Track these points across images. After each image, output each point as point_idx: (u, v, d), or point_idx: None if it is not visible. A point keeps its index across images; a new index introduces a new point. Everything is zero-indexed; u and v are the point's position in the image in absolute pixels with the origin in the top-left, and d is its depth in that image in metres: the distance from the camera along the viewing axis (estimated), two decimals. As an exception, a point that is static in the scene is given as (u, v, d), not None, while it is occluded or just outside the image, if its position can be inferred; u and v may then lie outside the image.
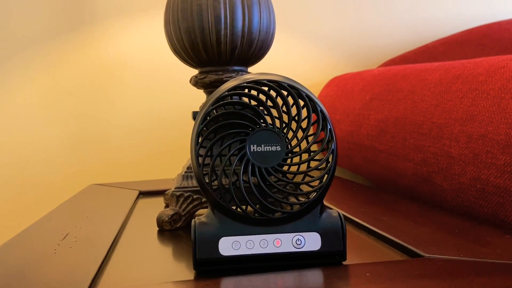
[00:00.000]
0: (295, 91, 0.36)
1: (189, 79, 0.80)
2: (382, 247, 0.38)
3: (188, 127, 0.93)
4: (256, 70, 0.83)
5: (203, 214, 0.36)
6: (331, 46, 1.00)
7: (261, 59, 0.57)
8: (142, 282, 0.33)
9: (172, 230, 0.48)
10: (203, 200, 0.50)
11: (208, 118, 0.35)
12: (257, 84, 0.36)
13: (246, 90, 0.36)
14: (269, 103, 0.37)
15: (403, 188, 0.61)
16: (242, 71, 0.55)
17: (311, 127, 0.36)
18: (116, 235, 0.45)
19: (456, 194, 0.49)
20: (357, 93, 0.76)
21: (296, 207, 0.35)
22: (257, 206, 0.35)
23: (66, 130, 0.91)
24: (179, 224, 0.49)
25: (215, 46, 0.51)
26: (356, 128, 0.72)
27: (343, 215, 0.36)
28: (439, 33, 1.01)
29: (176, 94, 0.94)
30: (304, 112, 0.36)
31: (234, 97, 0.39)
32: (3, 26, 0.88)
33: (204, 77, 0.54)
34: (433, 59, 0.92)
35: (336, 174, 0.81)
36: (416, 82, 0.59)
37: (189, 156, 0.82)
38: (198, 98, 0.88)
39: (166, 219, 0.48)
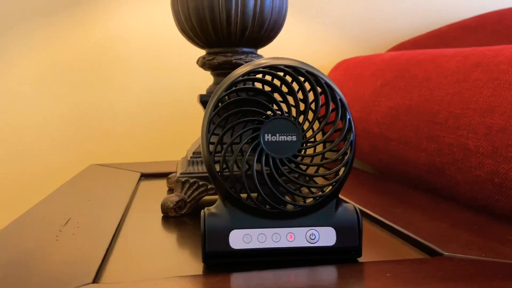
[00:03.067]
0: (313, 77, 0.34)
1: (195, 60, 0.77)
2: (398, 242, 0.37)
3: (193, 109, 0.91)
4: (265, 52, 0.80)
5: (213, 205, 0.34)
6: (339, 28, 0.97)
7: (271, 41, 0.54)
8: (149, 275, 0.31)
9: (177, 216, 0.47)
10: (209, 186, 0.49)
11: (220, 104, 0.33)
12: (273, 69, 0.33)
13: (261, 76, 0.34)
14: (284, 89, 0.35)
15: (412, 178, 0.59)
16: (252, 53, 0.52)
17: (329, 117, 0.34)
18: (120, 221, 0.43)
19: (470, 187, 0.48)
20: (367, 78, 0.74)
21: (311, 201, 0.33)
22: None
23: (66, 108, 0.88)
24: (184, 211, 0.48)
25: (225, 26, 0.49)
26: (365, 115, 0.70)
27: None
28: (451, 17, 0.98)
29: (181, 75, 0.91)
30: (321, 101, 0.34)
31: (247, 82, 0.37)
32: (1, -2, 0.84)
33: (212, 59, 0.51)
34: (444, 45, 0.89)
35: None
36: (432, 68, 0.57)
37: (193, 139, 0.80)
38: (204, 79, 0.86)
39: (171, 205, 0.47)
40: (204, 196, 0.49)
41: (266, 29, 0.51)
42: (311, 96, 0.34)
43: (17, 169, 0.87)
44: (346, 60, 0.90)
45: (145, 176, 0.70)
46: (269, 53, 0.84)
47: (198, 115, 0.91)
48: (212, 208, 0.34)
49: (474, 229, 0.38)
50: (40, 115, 0.88)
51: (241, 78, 0.33)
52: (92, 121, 0.90)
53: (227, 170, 0.33)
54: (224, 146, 0.33)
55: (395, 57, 0.70)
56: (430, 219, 0.42)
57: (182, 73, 0.91)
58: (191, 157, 0.50)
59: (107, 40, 0.89)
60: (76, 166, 0.88)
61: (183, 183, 0.48)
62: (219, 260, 0.32)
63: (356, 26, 0.98)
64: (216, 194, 0.49)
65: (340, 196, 0.52)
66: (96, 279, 0.30)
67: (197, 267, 0.33)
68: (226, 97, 0.34)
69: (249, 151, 0.32)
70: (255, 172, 0.32)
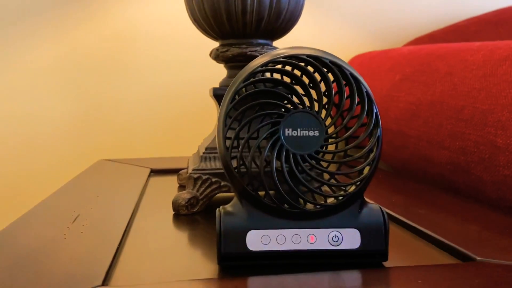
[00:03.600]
0: (337, 68, 0.31)
1: (207, 53, 0.75)
2: (424, 246, 0.35)
3: (204, 104, 0.89)
4: (280, 45, 0.78)
5: (229, 204, 0.32)
6: (354, 22, 0.95)
7: (287, 32, 0.52)
8: (160, 278, 0.29)
9: (188, 214, 0.45)
10: (222, 183, 0.47)
11: (237, 97, 0.31)
12: (294, 59, 0.31)
13: (281, 66, 0.32)
14: (305, 81, 0.32)
15: (433, 177, 0.57)
16: (267, 45, 0.50)
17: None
18: (129, 219, 0.42)
19: (497, 187, 0.45)
20: (384, 73, 0.71)
21: (333, 201, 0.31)
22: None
23: (75, 103, 0.87)
24: (196, 209, 0.46)
25: (240, 16, 0.47)
26: (382, 111, 0.67)
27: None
28: (471, 11, 0.95)
29: (192, 68, 0.89)
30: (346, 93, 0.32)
31: (266, 74, 0.35)
32: (10, -11, 0.83)
33: (226, 50, 0.49)
34: (464, 39, 0.86)
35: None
36: (455, 63, 0.55)
37: (205, 135, 0.78)
38: (217, 73, 0.84)
39: (183, 203, 0.45)
40: (217, 193, 0.47)
41: (283, 19, 0.49)
42: (334, 88, 0.31)
43: (25, 163, 0.86)
44: (361, 54, 0.88)
45: (155, 172, 0.68)
46: (283, 46, 0.82)
47: (209, 110, 0.89)
48: (228, 207, 0.32)
49: (506, 232, 0.36)
50: (49, 109, 0.86)
51: (260, 68, 0.31)
52: (101, 115, 0.88)
53: (244, 166, 0.31)
54: (241, 141, 0.31)
55: (414, 51, 0.68)
56: (457, 221, 0.39)
57: (194, 66, 0.89)
58: (203, 153, 0.48)
59: (117, 34, 0.87)
60: (85, 161, 0.87)
61: (195, 179, 0.46)
62: (235, 262, 0.31)
63: (372, 20, 0.95)
64: (229, 192, 0.47)
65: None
66: (105, 281, 0.28)
67: (211, 270, 0.31)
68: (243, 89, 0.32)
69: (268, 146, 0.30)
70: (274, 169, 0.30)
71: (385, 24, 0.95)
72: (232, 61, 0.50)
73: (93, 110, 0.88)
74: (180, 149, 0.89)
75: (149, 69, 0.89)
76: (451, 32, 0.89)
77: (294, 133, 0.31)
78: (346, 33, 0.95)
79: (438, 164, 0.54)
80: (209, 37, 0.52)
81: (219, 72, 0.77)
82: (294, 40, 0.90)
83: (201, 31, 0.52)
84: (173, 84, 0.89)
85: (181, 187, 0.58)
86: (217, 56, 0.51)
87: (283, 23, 0.49)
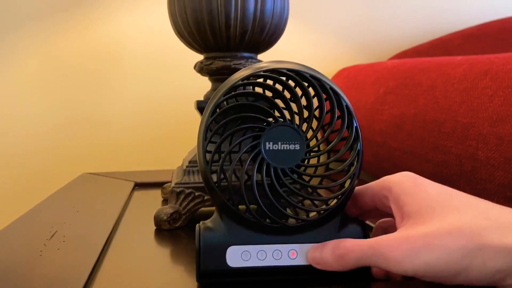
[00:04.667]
0: (318, 82, 0.31)
1: (192, 65, 0.75)
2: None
3: (189, 116, 0.88)
4: (265, 58, 0.78)
5: (209, 219, 0.32)
6: (340, 36, 0.96)
7: (272, 46, 0.52)
8: (138, 295, 0.29)
9: (171, 229, 0.44)
10: (206, 198, 0.46)
11: (218, 110, 0.31)
12: (275, 73, 0.31)
13: (262, 80, 0.32)
14: (287, 95, 0.32)
15: (417, 189, 0.57)
16: (251, 58, 0.50)
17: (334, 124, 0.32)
18: (109, 234, 0.41)
19: (480, 200, 0.45)
20: (369, 86, 0.72)
21: (314, 215, 0.31)
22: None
23: (58, 114, 0.86)
24: (178, 224, 0.45)
25: (224, 29, 0.47)
26: (367, 123, 0.67)
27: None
28: (454, 25, 0.97)
29: (177, 80, 0.89)
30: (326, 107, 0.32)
31: (247, 87, 0.35)
32: (-6, 1, 0.82)
33: (210, 63, 0.49)
34: (447, 53, 0.88)
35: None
36: (437, 76, 0.55)
37: (190, 148, 0.78)
38: (202, 85, 0.83)
39: (165, 217, 0.44)
40: (200, 207, 0.46)
41: (267, 33, 0.49)
42: (315, 102, 0.31)
43: (7, 176, 0.84)
44: (347, 67, 0.89)
45: (139, 185, 0.67)
46: (268, 59, 0.82)
47: (195, 123, 0.88)
48: (208, 222, 0.31)
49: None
50: (32, 122, 0.85)
51: (240, 82, 0.31)
52: (86, 128, 0.87)
53: (224, 180, 0.31)
54: (222, 155, 0.31)
55: (398, 64, 0.68)
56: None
57: (179, 79, 0.89)
58: (187, 166, 0.47)
59: (103, 45, 0.86)
60: (68, 174, 0.85)
61: (178, 194, 0.46)
62: (215, 279, 0.30)
63: (358, 34, 0.96)
64: (213, 206, 0.47)
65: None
66: (80, 300, 0.27)
67: (191, 285, 0.30)
68: (225, 102, 0.31)
69: (248, 160, 0.30)
70: (255, 183, 0.30)
71: (371, 38, 0.97)
72: (216, 74, 0.50)
73: (78, 123, 0.87)
74: (166, 162, 0.89)
75: (134, 82, 0.88)
76: (435, 46, 0.90)
77: (275, 146, 0.30)
78: (332, 46, 0.96)
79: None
80: (193, 50, 0.52)
81: (204, 84, 0.76)
82: (281, 53, 0.90)
83: (185, 44, 0.52)
84: (159, 97, 0.89)
85: (165, 201, 0.57)
86: (201, 69, 0.51)
87: (267, 36, 0.49)
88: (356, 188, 0.32)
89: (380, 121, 0.64)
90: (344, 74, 0.86)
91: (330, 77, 0.94)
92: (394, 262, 0.25)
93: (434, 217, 0.26)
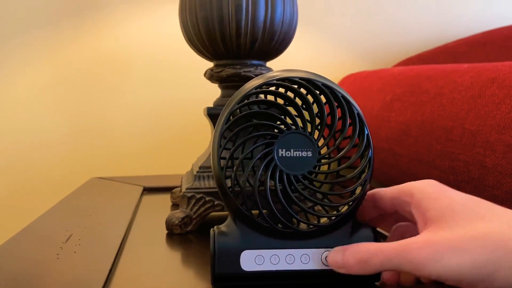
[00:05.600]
0: (329, 90, 0.32)
1: (201, 72, 0.76)
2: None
3: (197, 122, 0.89)
4: (273, 66, 0.79)
5: (223, 224, 0.32)
6: (346, 42, 0.96)
7: (281, 54, 0.53)
8: (154, 298, 0.29)
9: (182, 234, 0.45)
10: (216, 202, 0.47)
11: (231, 118, 0.32)
12: (287, 81, 0.32)
13: (274, 88, 0.33)
14: (298, 102, 0.33)
15: (424, 195, 0.57)
16: (261, 65, 0.51)
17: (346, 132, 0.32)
18: (123, 238, 0.42)
19: (487, 207, 0.46)
20: (375, 93, 0.72)
21: (325, 220, 0.31)
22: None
23: (68, 120, 0.87)
24: (189, 228, 0.46)
25: (234, 37, 0.48)
26: (373, 130, 0.68)
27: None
28: (460, 33, 0.98)
29: (186, 87, 0.90)
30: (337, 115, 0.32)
31: (260, 96, 0.36)
32: (5, 9, 0.84)
33: (221, 71, 0.50)
34: (453, 60, 0.88)
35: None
36: (444, 84, 0.56)
37: (197, 153, 0.79)
38: (210, 92, 0.84)
39: (176, 222, 0.45)
40: (211, 212, 0.47)
41: (276, 41, 0.50)
42: (326, 110, 0.32)
43: (17, 180, 0.85)
44: (352, 74, 0.89)
45: (148, 190, 0.68)
46: (276, 66, 0.83)
47: (202, 129, 0.89)
48: (222, 227, 0.32)
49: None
50: (42, 126, 0.86)
51: (254, 90, 0.32)
52: (94, 133, 0.88)
53: (238, 186, 0.32)
54: (236, 161, 0.32)
55: (404, 71, 0.69)
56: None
57: (187, 85, 0.90)
58: (197, 172, 0.48)
59: (112, 52, 0.88)
60: (77, 179, 0.86)
61: (189, 198, 0.46)
62: (229, 283, 0.31)
63: (363, 41, 0.97)
64: (223, 211, 0.47)
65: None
66: (98, 302, 0.28)
67: (205, 289, 0.31)
68: (238, 110, 0.32)
69: (262, 166, 0.31)
70: (268, 189, 0.30)
71: (376, 45, 0.97)
72: (226, 81, 0.51)
73: (86, 128, 0.88)
74: (173, 167, 0.89)
75: (143, 88, 0.89)
76: (440, 53, 0.91)
77: (288, 153, 0.31)
78: (338, 53, 0.96)
79: (429, 183, 0.55)
80: (203, 58, 0.53)
81: (212, 91, 0.77)
82: (287, 61, 0.91)
83: (195, 52, 0.53)
84: (167, 103, 0.90)
85: (174, 205, 0.58)
86: (211, 76, 0.51)
87: (277, 44, 0.50)
88: (377, 190, 0.33)
89: (386, 128, 0.65)
90: (350, 80, 0.87)
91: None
92: (418, 265, 0.25)
93: (459, 222, 0.26)
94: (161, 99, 0.90)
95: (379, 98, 0.70)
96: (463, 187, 0.49)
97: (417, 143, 0.57)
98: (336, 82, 0.95)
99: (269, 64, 0.56)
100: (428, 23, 0.98)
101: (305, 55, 0.95)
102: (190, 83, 0.90)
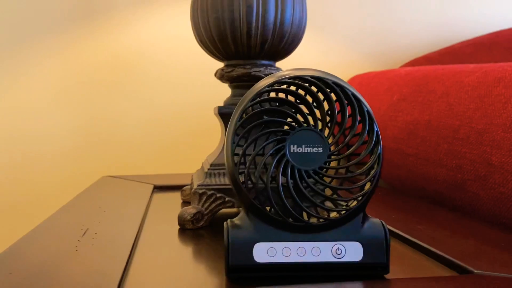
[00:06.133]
0: (340, 88, 0.33)
1: (211, 72, 0.77)
2: (424, 260, 0.36)
3: (206, 122, 0.91)
4: (282, 66, 0.80)
5: (236, 217, 0.33)
6: (353, 44, 0.97)
7: (290, 54, 0.54)
8: (170, 288, 0.30)
9: (194, 229, 0.46)
10: (227, 199, 0.48)
11: (244, 115, 0.33)
12: (299, 80, 0.33)
13: (286, 87, 0.34)
14: (309, 100, 0.34)
15: (431, 194, 0.58)
16: (270, 65, 0.52)
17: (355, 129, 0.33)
18: (137, 232, 0.43)
19: (493, 204, 0.47)
20: (382, 93, 0.73)
21: (335, 215, 0.32)
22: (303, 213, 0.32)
23: (79, 119, 0.89)
24: (201, 224, 0.47)
25: (245, 38, 0.49)
26: (381, 130, 0.69)
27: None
28: (466, 34, 0.98)
29: (195, 87, 0.91)
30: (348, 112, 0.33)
31: (271, 94, 0.37)
32: (17, 12, 0.86)
33: (231, 71, 0.51)
34: (458, 61, 0.89)
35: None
36: (451, 84, 0.57)
37: (207, 152, 0.80)
38: (219, 92, 0.86)
39: (189, 217, 0.46)
40: (222, 208, 0.48)
41: (285, 42, 0.51)
42: (337, 108, 0.33)
43: (29, 179, 0.87)
44: (360, 75, 0.90)
45: (158, 188, 0.69)
46: (285, 66, 0.84)
47: (211, 128, 0.90)
48: (236, 220, 0.33)
49: (502, 247, 0.37)
50: (54, 126, 0.88)
51: (266, 88, 0.33)
52: (105, 132, 0.90)
53: (250, 182, 0.33)
54: (249, 157, 0.33)
55: (411, 72, 0.70)
56: (455, 236, 0.41)
57: (197, 85, 0.91)
58: (208, 169, 0.49)
59: (122, 52, 0.89)
60: (88, 177, 0.88)
61: (201, 195, 0.48)
62: (242, 274, 0.32)
63: (370, 42, 0.98)
64: (233, 207, 0.48)
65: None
66: (118, 292, 0.29)
67: (219, 282, 0.32)
68: (250, 108, 0.33)
69: (274, 162, 0.32)
70: (280, 184, 0.32)
71: (383, 46, 0.98)
72: (237, 81, 0.52)
73: (98, 128, 0.89)
74: (182, 166, 0.91)
75: (153, 88, 0.91)
76: (446, 54, 0.92)
77: (299, 149, 0.32)
78: (345, 54, 0.97)
79: (435, 182, 0.56)
80: (214, 58, 0.54)
81: (221, 91, 0.79)
82: (297, 62, 0.93)
83: (207, 52, 0.54)
84: (176, 102, 0.91)
85: (185, 203, 0.59)
86: (222, 76, 0.53)
87: (286, 45, 0.51)
88: None
89: (393, 127, 0.66)
90: (357, 81, 0.88)
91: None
92: None
93: None
94: (171, 100, 0.91)
95: (386, 98, 0.71)
96: (470, 185, 0.49)
97: (424, 142, 0.58)
98: (343, 83, 0.96)
99: (278, 64, 0.57)
100: (434, 24, 0.99)
101: (313, 55, 0.96)
102: (200, 84, 0.91)
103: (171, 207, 0.57)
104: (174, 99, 0.91)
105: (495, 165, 0.45)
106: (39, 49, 0.87)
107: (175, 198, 0.62)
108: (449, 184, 0.53)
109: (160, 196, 0.64)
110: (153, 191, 0.66)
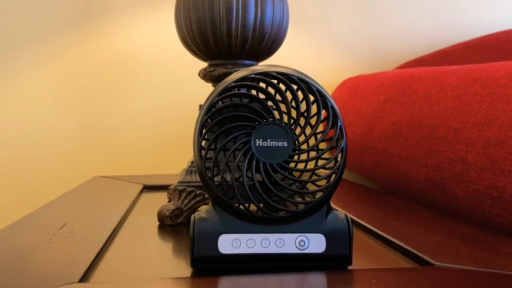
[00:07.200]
0: (305, 85, 0.34)
1: (197, 73, 0.79)
2: (390, 253, 0.36)
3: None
4: (268, 68, 0.81)
5: (203, 210, 0.34)
6: (345, 47, 0.98)
7: (272, 54, 0.55)
8: (136, 277, 0.31)
9: (173, 225, 0.47)
10: (206, 196, 0.49)
11: (213, 109, 0.34)
12: (266, 76, 0.34)
13: (255, 82, 0.35)
14: (278, 96, 0.35)
15: (414, 193, 0.59)
16: (252, 65, 0.53)
17: (321, 124, 0.34)
18: (115, 227, 0.44)
19: (470, 202, 0.47)
20: (370, 95, 0.74)
21: (301, 206, 0.33)
22: (261, 204, 0.33)
23: (72, 121, 0.90)
24: (180, 220, 0.48)
25: (226, 38, 0.50)
26: (368, 131, 0.70)
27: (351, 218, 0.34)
28: (457, 37, 0.99)
29: (185, 88, 0.92)
30: (313, 108, 0.34)
31: (241, 89, 0.38)
32: (12, 15, 0.88)
33: (213, 70, 0.52)
34: (450, 64, 0.89)
35: (345, 177, 0.79)
36: (433, 84, 0.57)
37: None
38: (207, 92, 0.87)
39: (167, 213, 0.47)
40: (201, 205, 0.49)
41: (266, 42, 0.52)
42: (303, 104, 0.34)
43: (22, 179, 0.89)
44: (351, 78, 0.91)
45: (148, 188, 0.70)
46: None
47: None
48: (203, 213, 0.34)
49: (469, 242, 0.37)
50: (49, 128, 0.89)
51: (233, 83, 0.34)
52: (99, 134, 0.91)
53: (218, 175, 0.33)
54: (215, 151, 0.33)
55: (398, 74, 0.70)
56: (426, 231, 0.41)
57: (186, 86, 0.92)
58: (189, 166, 0.50)
59: (114, 56, 0.91)
60: (81, 178, 0.89)
61: (180, 191, 0.48)
62: (207, 264, 0.32)
63: (362, 45, 0.99)
64: (213, 203, 0.49)
65: (339, 209, 0.52)
66: (83, 279, 0.30)
67: (185, 271, 0.33)
68: (220, 102, 0.34)
69: (239, 155, 0.33)
70: (245, 178, 0.32)
71: (375, 49, 0.99)
72: (219, 80, 0.53)
73: (91, 129, 0.91)
74: (175, 166, 0.92)
75: (144, 89, 0.92)
76: (438, 57, 0.92)
77: (265, 143, 0.33)
78: (337, 57, 0.98)
79: (417, 181, 0.56)
80: (198, 58, 0.55)
81: (208, 90, 0.80)
82: (285, 63, 0.93)
83: (191, 53, 0.55)
84: (167, 103, 0.93)
85: (171, 201, 0.60)
86: (205, 75, 0.54)
87: (267, 45, 0.52)
88: None
89: (379, 128, 0.66)
90: (348, 83, 0.88)
91: (334, 87, 0.96)
92: None
93: None
94: (162, 101, 0.92)
95: (373, 99, 0.71)
96: (448, 184, 0.50)
97: (406, 142, 0.58)
98: (335, 85, 0.97)
99: (262, 64, 0.57)
100: (426, 28, 1.00)
101: (304, 58, 0.97)
102: (189, 84, 0.92)
103: (156, 205, 0.57)
104: (166, 102, 0.92)
105: (470, 163, 0.46)
106: (32, 53, 0.88)
107: (163, 197, 0.63)
108: (430, 183, 0.54)
109: (148, 195, 0.65)
110: (142, 190, 0.67)
